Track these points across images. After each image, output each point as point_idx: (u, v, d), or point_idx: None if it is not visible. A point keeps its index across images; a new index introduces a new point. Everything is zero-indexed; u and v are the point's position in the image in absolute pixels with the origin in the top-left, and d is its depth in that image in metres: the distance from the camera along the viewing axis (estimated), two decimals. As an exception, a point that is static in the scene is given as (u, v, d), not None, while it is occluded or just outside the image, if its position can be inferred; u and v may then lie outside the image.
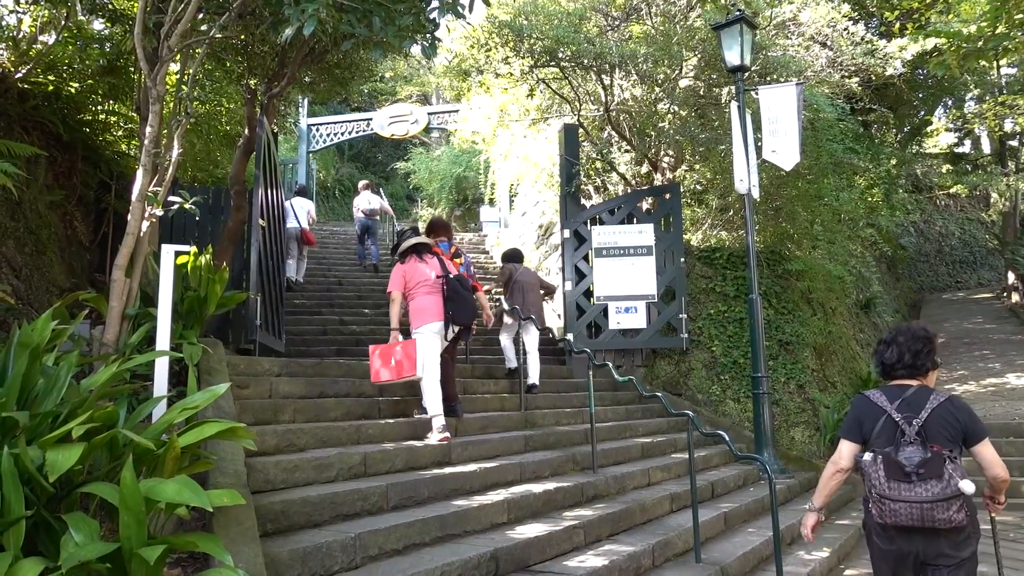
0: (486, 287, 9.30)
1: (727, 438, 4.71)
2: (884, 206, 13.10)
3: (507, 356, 8.39)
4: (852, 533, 6.47)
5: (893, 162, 13.93)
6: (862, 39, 11.05)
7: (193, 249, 5.42)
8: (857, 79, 11.01)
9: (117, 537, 2.50)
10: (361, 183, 14.69)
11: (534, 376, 7.94)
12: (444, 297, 5.96)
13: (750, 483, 7.51)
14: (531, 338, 8.03)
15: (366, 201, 13.84)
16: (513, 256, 8.83)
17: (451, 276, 6.06)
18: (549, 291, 9.10)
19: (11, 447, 2.59)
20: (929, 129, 20.28)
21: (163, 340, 4.15)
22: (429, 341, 5.80)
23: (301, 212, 11.69)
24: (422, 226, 8.90)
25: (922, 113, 18.50)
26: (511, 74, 10.41)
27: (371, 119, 19.03)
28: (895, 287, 18.16)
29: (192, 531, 3.29)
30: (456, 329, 6.14)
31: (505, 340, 8.42)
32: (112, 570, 2.48)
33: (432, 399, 5.68)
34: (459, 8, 4.88)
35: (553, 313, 12.11)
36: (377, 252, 13.56)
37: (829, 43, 10.92)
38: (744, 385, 9.38)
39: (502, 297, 8.71)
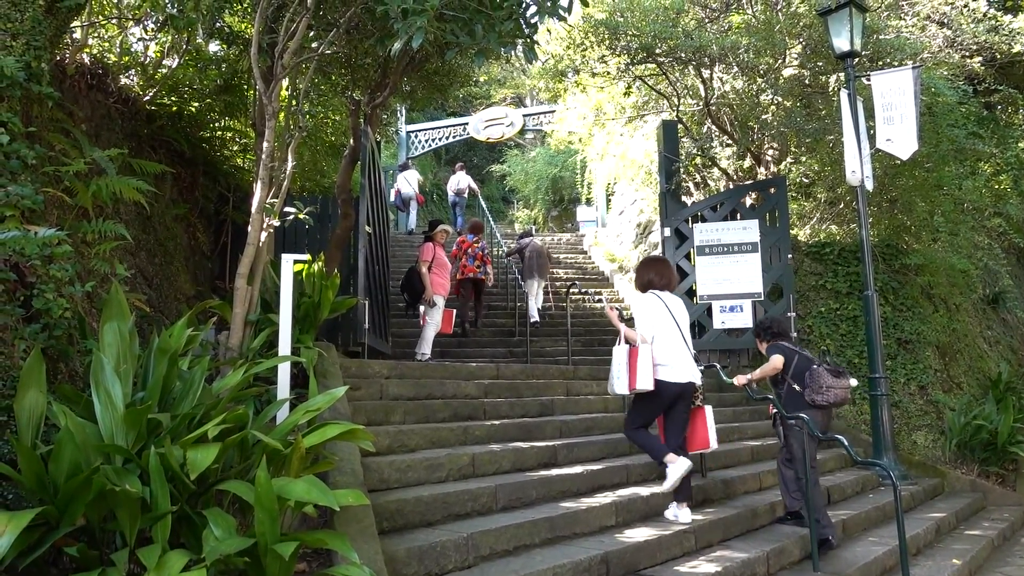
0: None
1: (845, 442, 4.52)
2: (1013, 193, 12.14)
3: (530, 313, 10.81)
4: (984, 544, 6.06)
5: (1022, 146, 12.89)
6: (984, 15, 10.30)
7: (308, 257, 5.67)
8: (979, 58, 10.27)
9: (251, 532, 2.65)
10: (458, 164, 17.63)
11: (535, 315, 10.87)
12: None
13: (869, 489, 7.16)
14: (539, 291, 11.15)
15: (456, 182, 16.92)
16: (526, 233, 12.41)
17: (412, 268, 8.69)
18: (549, 259, 11.76)
19: (156, 446, 2.79)
20: (1063, 108, 18.68)
21: (285, 345, 4.35)
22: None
23: (412, 180, 15.49)
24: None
25: (1055, 91, 17.03)
26: (607, 72, 10.33)
27: (467, 123, 19.30)
28: (1026, 280, 16.80)
29: (316, 528, 3.45)
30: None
31: (530, 300, 10.92)
32: (249, 563, 2.63)
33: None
34: (560, 10, 4.87)
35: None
36: (463, 222, 16.23)
37: (947, 22, 10.26)
38: (860, 386, 8.91)
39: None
